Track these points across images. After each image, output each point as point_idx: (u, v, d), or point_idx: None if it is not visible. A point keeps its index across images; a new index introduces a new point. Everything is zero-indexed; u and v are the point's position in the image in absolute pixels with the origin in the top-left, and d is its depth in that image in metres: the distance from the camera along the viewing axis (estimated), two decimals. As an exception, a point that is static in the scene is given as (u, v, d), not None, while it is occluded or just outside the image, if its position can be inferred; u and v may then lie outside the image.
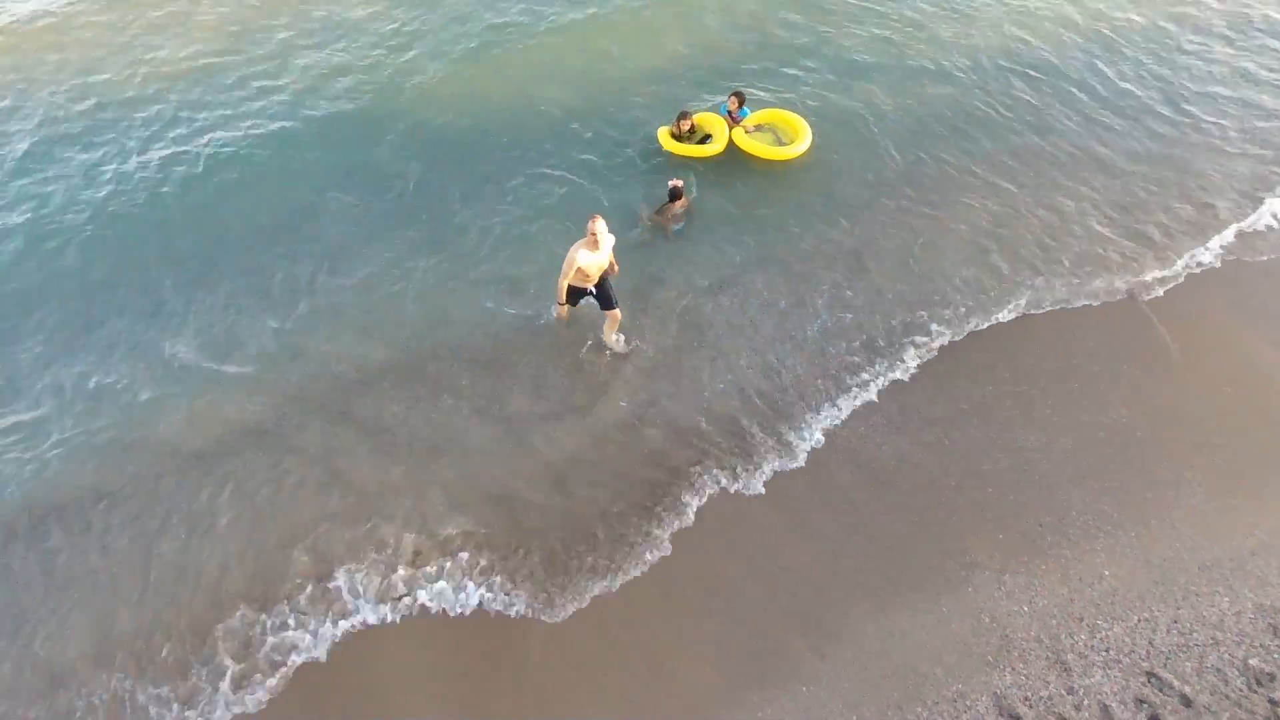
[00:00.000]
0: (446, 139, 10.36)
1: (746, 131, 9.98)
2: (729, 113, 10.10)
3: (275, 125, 10.55)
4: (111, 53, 11.78)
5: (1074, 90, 11.34)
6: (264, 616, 5.85)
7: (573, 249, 7.20)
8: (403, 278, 8.48)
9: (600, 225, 7.11)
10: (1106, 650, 5.68)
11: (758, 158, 9.92)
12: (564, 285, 7.39)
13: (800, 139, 9.94)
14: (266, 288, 8.37)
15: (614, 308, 7.57)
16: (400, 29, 12.42)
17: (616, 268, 7.67)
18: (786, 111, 10.28)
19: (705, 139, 10.06)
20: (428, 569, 6.13)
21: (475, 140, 10.34)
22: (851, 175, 9.85)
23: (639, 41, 12.11)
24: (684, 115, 9.95)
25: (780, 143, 10.04)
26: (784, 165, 9.90)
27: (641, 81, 11.32)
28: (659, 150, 10.03)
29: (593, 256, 7.21)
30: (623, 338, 7.78)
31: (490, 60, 11.78)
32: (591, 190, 9.61)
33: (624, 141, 10.32)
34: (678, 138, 9.99)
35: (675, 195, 9.15)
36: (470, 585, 6.03)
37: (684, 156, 9.93)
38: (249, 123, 10.57)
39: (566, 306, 7.67)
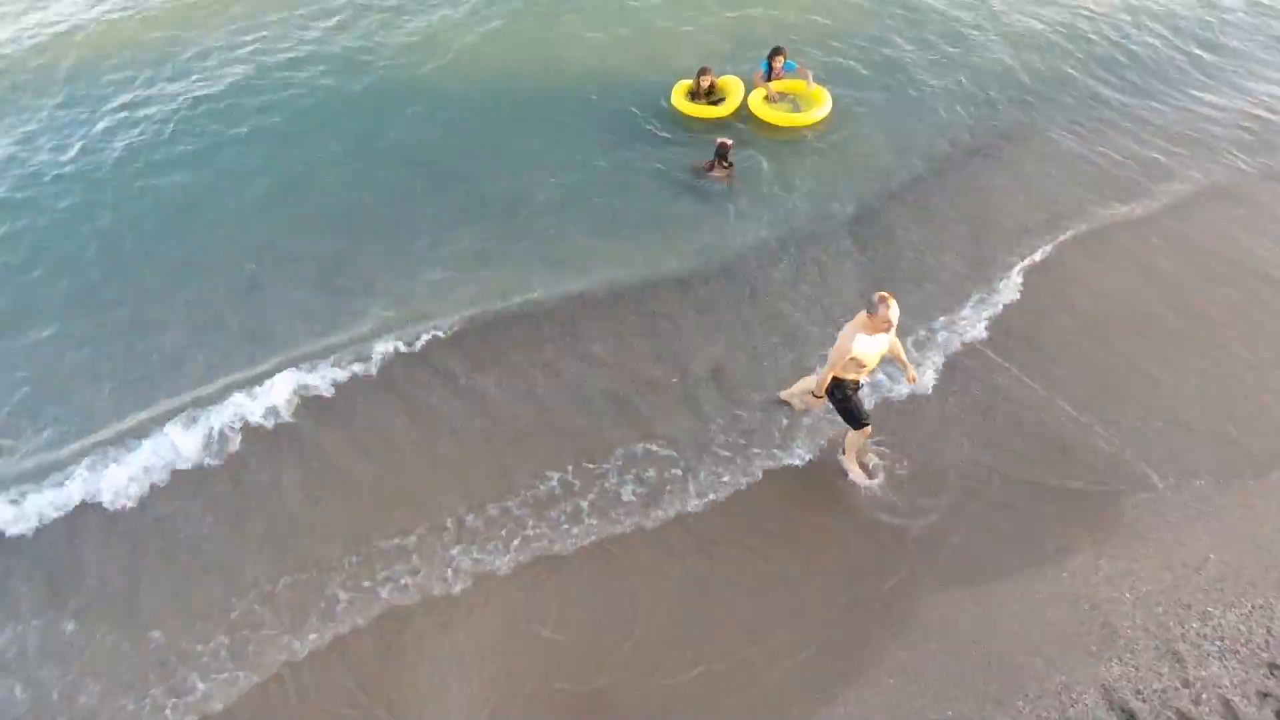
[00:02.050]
0: (472, 110, 10.01)
1: (770, 98, 9.69)
2: (769, 68, 9.71)
3: (298, 100, 10.20)
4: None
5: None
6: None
7: (848, 331, 5.51)
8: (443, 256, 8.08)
9: (894, 308, 5.37)
10: (1221, 639, 5.20)
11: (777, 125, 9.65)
12: (829, 377, 5.77)
13: (819, 105, 9.59)
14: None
15: (867, 422, 5.99)
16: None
17: (914, 374, 6.12)
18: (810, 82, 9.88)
19: (719, 100, 9.78)
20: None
21: (503, 111, 10.00)
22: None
23: (666, 9, 11.80)
24: (704, 71, 9.63)
25: (798, 110, 9.70)
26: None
27: (670, 48, 11.02)
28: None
29: (874, 344, 5.55)
30: (871, 461, 6.34)
31: (513, 30, 11.45)
32: (627, 156, 9.31)
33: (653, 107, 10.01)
34: (695, 94, 9.71)
35: (722, 153, 8.81)
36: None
37: (695, 117, 9.66)
38: (266, 97, 10.22)
39: (823, 401, 6.02)
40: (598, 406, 6.73)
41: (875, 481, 6.17)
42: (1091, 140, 9.82)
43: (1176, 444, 6.44)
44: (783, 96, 9.83)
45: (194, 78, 10.45)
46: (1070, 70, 11.07)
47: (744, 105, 9.70)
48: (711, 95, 9.77)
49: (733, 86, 9.82)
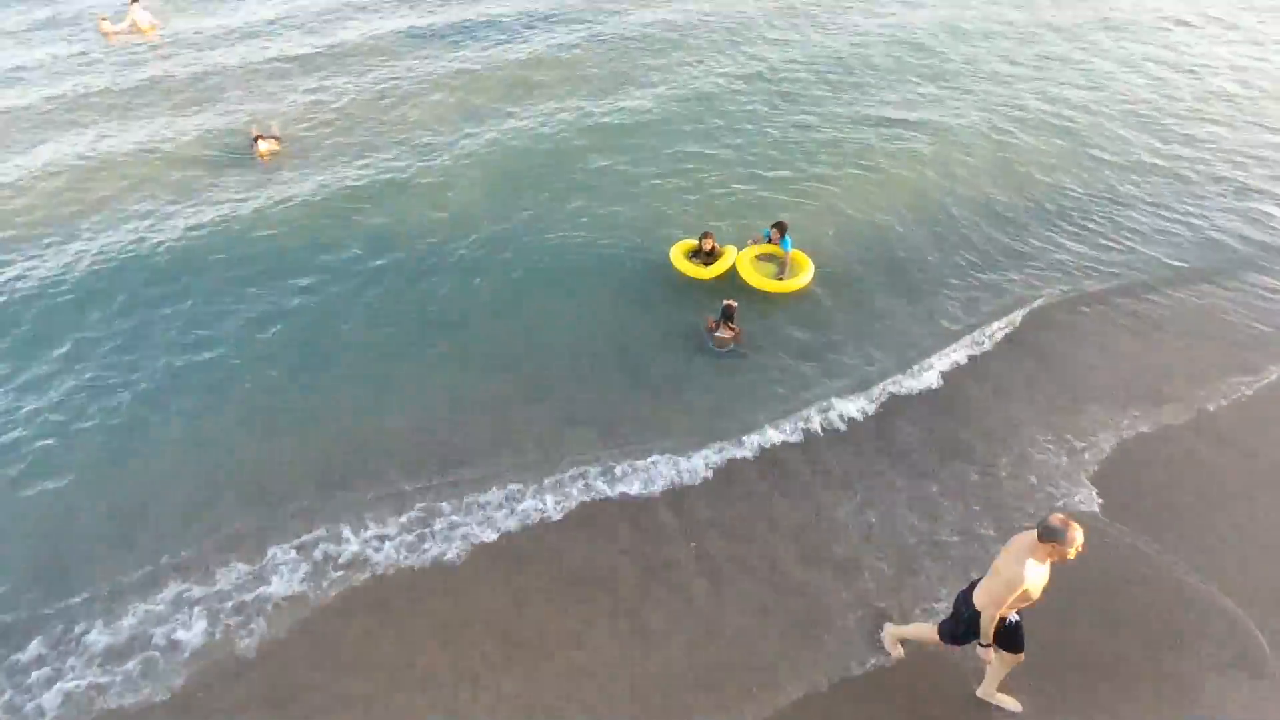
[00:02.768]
0: (488, 275, 10.71)
1: (758, 259, 10.41)
2: (769, 239, 10.40)
3: (331, 272, 10.85)
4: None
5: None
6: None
7: (1016, 557, 4.94)
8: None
9: (1079, 533, 4.82)
10: None
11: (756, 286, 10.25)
12: (996, 618, 5.10)
13: (802, 273, 10.14)
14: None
15: (1023, 649, 5.51)
16: (421, 141, 13.46)
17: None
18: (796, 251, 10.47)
19: (714, 261, 10.43)
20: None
21: (518, 276, 10.68)
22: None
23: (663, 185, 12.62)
24: (706, 235, 10.39)
25: (781, 275, 10.22)
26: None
27: (666, 216, 11.88)
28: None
29: (1044, 574, 5.01)
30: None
31: (518, 173, 12.58)
32: (636, 315, 9.99)
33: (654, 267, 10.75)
34: (696, 254, 10.36)
35: (728, 314, 9.12)
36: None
37: (689, 276, 10.32)
38: (300, 275, 10.83)
39: (994, 650, 5.37)
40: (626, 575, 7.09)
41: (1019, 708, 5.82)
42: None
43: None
44: (770, 259, 10.46)
45: (227, 260, 11.06)
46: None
47: (732, 266, 10.35)
48: (712, 256, 10.41)
49: (728, 252, 10.56)
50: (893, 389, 9.01)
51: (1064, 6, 20.72)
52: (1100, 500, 7.72)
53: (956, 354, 9.51)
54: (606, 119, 14.66)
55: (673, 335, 9.71)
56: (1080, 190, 12.68)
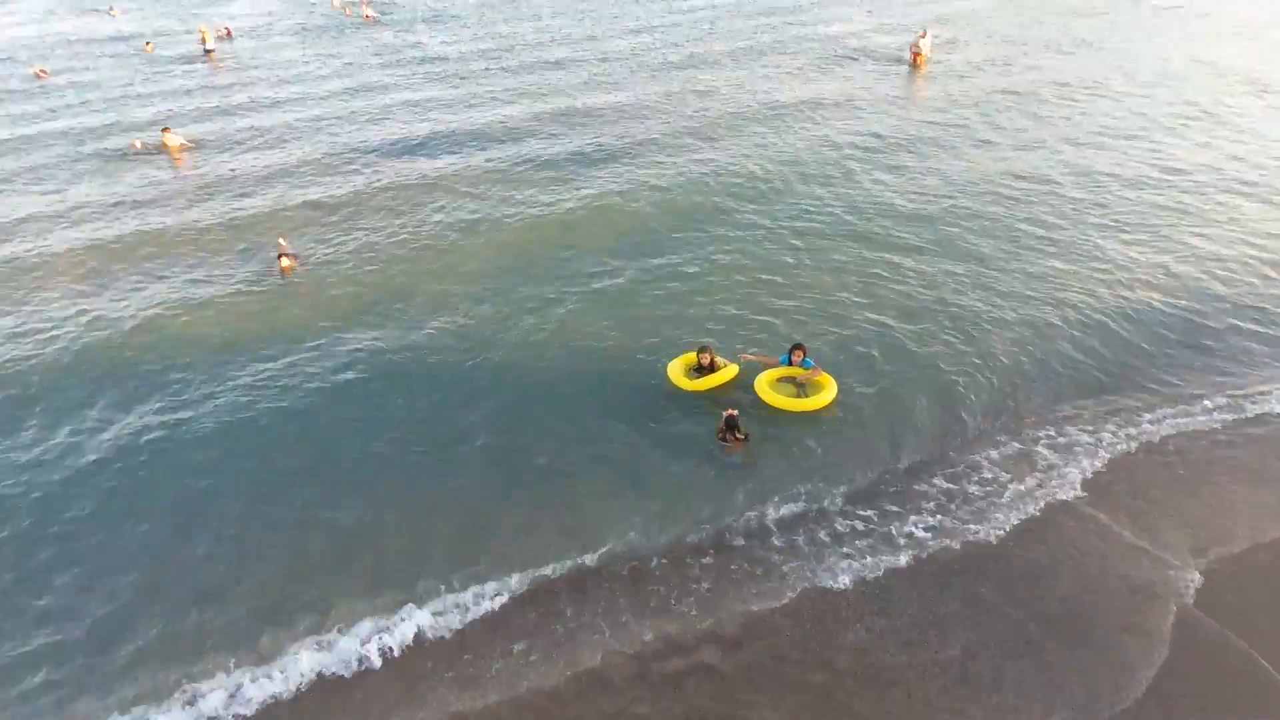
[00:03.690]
0: (498, 392, 11.18)
1: (778, 381, 10.36)
2: (789, 362, 10.56)
3: (349, 391, 11.39)
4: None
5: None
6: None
7: None
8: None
9: None
10: None
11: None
12: None
13: (825, 390, 10.04)
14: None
15: None
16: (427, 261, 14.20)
17: None
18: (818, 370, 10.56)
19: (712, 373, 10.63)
20: None
21: (527, 390, 11.15)
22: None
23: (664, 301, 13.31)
24: (704, 349, 10.66)
25: (802, 393, 10.20)
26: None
27: (665, 330, 12.40)
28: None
29: None
30: None
31: (533, 322, 12.84)
32: (641, 425, 10.24)
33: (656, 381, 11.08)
34: (696, 369, 10.60)
35: (732, 424, 9.24)
36: None
37: (689, 390, 10.54)
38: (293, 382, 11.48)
39: None
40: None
41: None
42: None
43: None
44: (790, 380, 10.44)
45: (250, 375, 11.67)
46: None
47: (747, 385, 10.50)
48: (710, 371, 10.69)
49: (725, 366, 10.77)
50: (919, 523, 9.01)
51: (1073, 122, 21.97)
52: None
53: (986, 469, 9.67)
54: (599, 231, 15.65)
55: (679, 444, 9.97)
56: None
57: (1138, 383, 11.05)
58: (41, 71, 31.04)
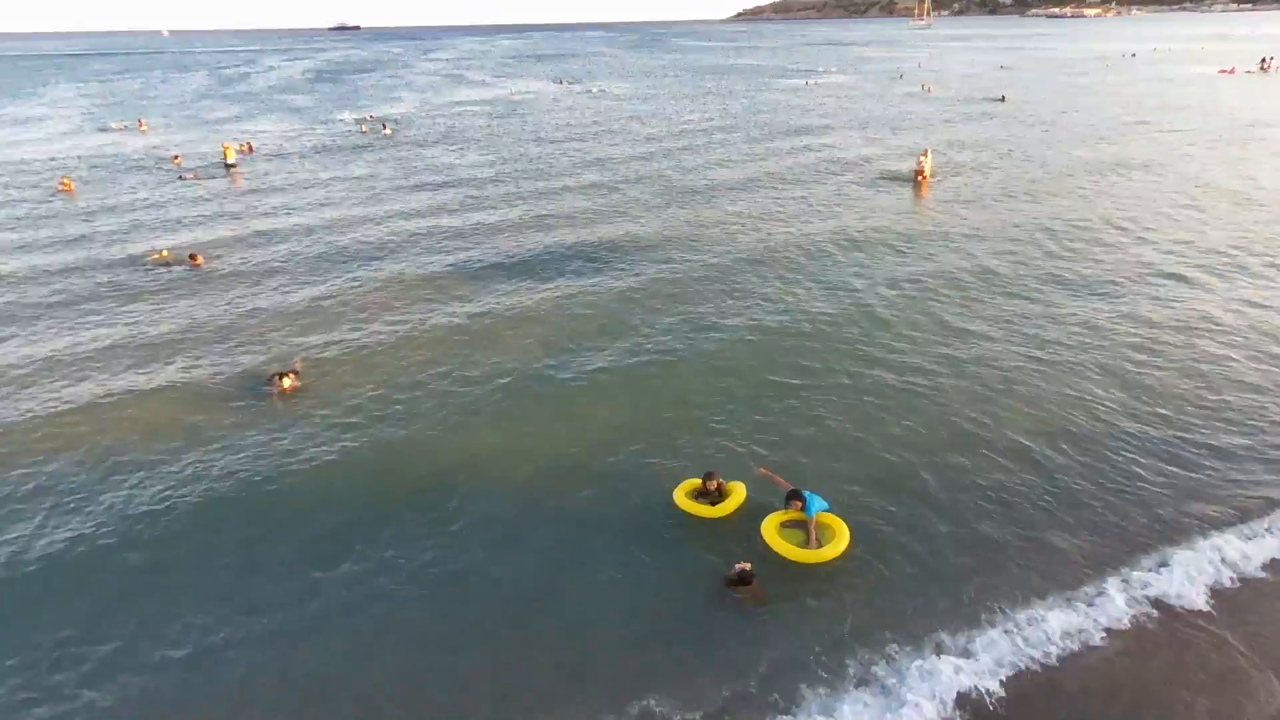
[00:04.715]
0: (499, 518, 10.61)
1: (784, 525, 9.65)
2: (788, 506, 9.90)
3: (345, 519, 10.94)
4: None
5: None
6: None
7: None
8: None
9: None
10: None
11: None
12: None
13: (836, 539, 9.34)
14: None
15: None
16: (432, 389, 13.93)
17: None
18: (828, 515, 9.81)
19: (720, 500, 10.11)
20: None
21: (527, 515, 10.59)
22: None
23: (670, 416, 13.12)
24: (710, 475, 10.22)
25: (814, 541, 9.41)
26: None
27: (675, 449, 12.02)
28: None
29: None
30: None
31: (532, 439, 12.64)
32: (645, 561, 9.60)
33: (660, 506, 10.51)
34: (701, 494, 10.11)
35: (744, 580, 8.61)
36: None
37: (697, 516, 10.00)
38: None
39: None
40: None
41: None
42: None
43: None
44: (798, 524, 9.70)
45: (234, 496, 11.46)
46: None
47: (756, 531, 9.69)
48: (718, 495, 10.20)
49: (734, 487, 10.28)
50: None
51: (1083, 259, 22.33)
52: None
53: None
54: (605, 362, 15.33)
55: (688, 584, 9.29)
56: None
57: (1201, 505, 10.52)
58: (65, 183, 32.11)
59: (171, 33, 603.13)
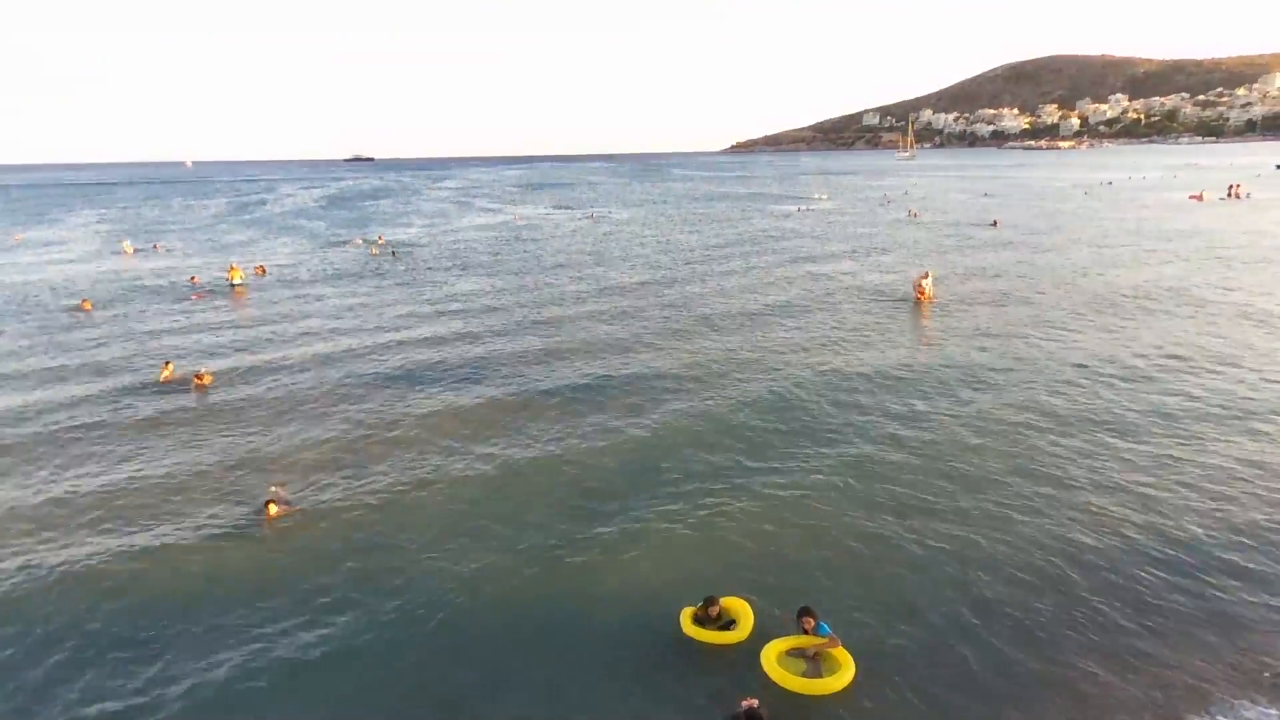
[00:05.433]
0: (495, 646, 10.29)
1: (787, 654, 9.27)
2: (803, 632, 9.54)
3: (350, 640, 10.60)
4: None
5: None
6: None
7: None
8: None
9: None
10: None
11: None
12: None
13: (841, 669, 8.98)
14: None
15: None
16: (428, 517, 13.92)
17: None
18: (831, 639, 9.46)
19: (729, 624, 9.77)
20: None
21: (523, 644, 10.25)
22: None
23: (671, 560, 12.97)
24: (711, 601, 9.91)
25: (816, 670, 9.08)
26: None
27: (679, 573, 11.71)
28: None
29: None
30: None
31: (530, 567, 12.47)
32: (647, 695, 9.13)
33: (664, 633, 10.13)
34: (702, 621, 9.76)
35: (752, 718, 8.11)
36: None
37: (708, 643, 9.62)
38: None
39: None
40: None
41: None
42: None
43: None
44: (800, 653, 9.34)
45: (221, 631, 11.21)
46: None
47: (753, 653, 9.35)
48: (719, 620, 9.91)
49: (741, 609, 9.94)
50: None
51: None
52: None
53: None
54: (604, 471, 15.36)
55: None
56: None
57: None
58: (85, 304, 33.03)
59: (195, 164, 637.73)
